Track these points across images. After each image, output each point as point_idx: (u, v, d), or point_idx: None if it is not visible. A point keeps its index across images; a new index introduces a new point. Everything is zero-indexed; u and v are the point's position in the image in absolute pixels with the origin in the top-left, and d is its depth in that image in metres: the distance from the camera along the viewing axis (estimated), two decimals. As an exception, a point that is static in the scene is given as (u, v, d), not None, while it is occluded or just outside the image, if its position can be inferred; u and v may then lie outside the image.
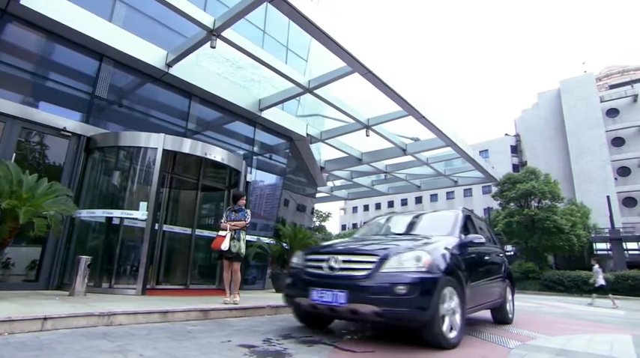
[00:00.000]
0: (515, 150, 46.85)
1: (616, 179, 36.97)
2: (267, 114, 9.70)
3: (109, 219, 6.59)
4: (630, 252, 29.62)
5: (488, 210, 31.90)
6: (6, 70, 5.96)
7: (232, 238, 5.62)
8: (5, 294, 4.79)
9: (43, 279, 5.96)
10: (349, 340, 3.92)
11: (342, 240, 5.14)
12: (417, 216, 5.49)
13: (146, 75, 7.70)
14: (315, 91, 8.52)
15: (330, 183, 17.80)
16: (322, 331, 4.34)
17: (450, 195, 48.78)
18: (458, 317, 3.66)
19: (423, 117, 9.21)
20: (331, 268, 3.64)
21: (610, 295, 13.67)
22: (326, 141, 11.58)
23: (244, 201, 6.12)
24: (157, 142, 6.66)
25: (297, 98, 10.09)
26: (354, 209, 63.30)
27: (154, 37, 7.60)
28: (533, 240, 25.85)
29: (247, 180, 8.74)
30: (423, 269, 3.36)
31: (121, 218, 6.51)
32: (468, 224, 4.94)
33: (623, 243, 29.17)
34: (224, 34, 6.69)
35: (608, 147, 37.94)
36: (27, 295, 4.98)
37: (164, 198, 8.26)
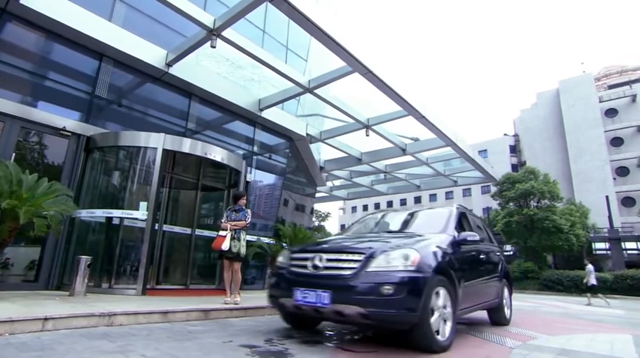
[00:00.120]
0: (514, 150, 46.91)
1: (615, 179, 37.08)
2: (267, 114, 9.69)
3: (109, 219, 6.57)
4: (629, 252, 29.73)
5: (487, 209, 31.95)
6: (5, 69, 5.94)
7: (233, 238, 5.61)
8: (5, 295, 4.77)
9: (42, 279, 5.94)
10: (351, 340, 3.92)
11: (330, 237, 5.07)
12: (410, 214, 5.34)
13: (146, 74, 7.68)
14: (315, 91, 8.51)
15: (329, 183, 17.79)
16: (323, 331, 4.33)
17: (449, 195, 48.81)
18: (449, 319, 3.51)
19: (423, 117, 9.21)
20: (315, 267, 3.49)
21: (600, 294, 13.85)
22: (326, 141, 11.58)
23: (245, 201, 6.11)
24: (156, 142, 6.65)
25: (297, 98, 10.09)
26: (354, 209, 63.33)
27: (154, 36, 7.59)
28: (533, 240, 25.90)
29: (247, 180, 8.73)
30: (412, 268, 3.19)
31: (120, 218, 6.50)
32: (462, 221, 4.78)
33: (622, 243, 29.29)
34: (224, 33, 6.68)
35: (607, 147, 38.04)
36: (27, 295, 4.97)
37: (164, 198, 8.24)
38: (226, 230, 5.60)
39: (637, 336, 4.93)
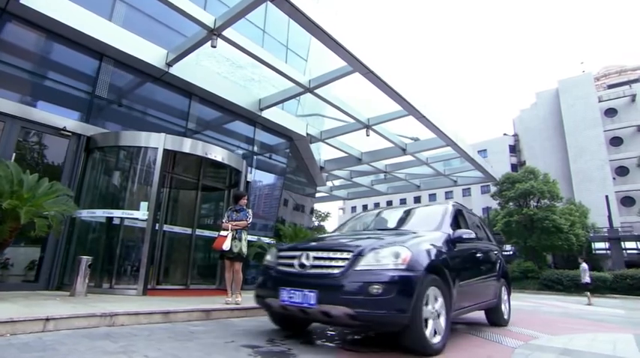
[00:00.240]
0: (514, 149, 46.93)
1: (614, 178, 37.11)
2: (267, 114, 9.68)
3: (110, 219, 6.56)
4: (629, 251, 29.76)
5: (487, 209, 31.89)
6: (6, 69, 5.93)
7: (234, 238, 5.60)
8: (5, 295, 4.76)
9: (43, 280, 5.92)
10: (353, 340, 3.91)
11: (323, 235, 5.02)
12: (405, 211, 5.22)
13: (146, 74, 7.67)
14: (316, 91, 8.50)
15: (329, 183, 17.79)
16: (325, 331, 4.32)
17: (448, 195, 48.80)
18: (442, 321, 3.35)
19: (424, 116, 9.21)
20: (302, 265, 3.35)
21: (587, 293, 13.96)
22: (326, 140, 11.57)
23: (245, 201, 6.10)
24: (157, 142, 6.64)
25: (297, 98, 10.08)
26: (353, 209, 63.25)
27: (154, 36, 7.58)
28: (532, 240, 25.91)
29: (247, 179, 8.72)
30: (402, 267, 3.04)
31: (121, 218, 6.48)
32: (459, 219, 4.65)
33: (622, 243, 29.28)
34: (225, 33, 6.67)
35: (607, 147, 38.07)
36: (27, 296, 4.95)
37: (164, 198, 8.23)
38: (227, 230, 5.59)
39: (638, 336, 4.93)
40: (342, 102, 9.39)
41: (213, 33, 6.57)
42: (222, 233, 5.60)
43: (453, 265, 3.72)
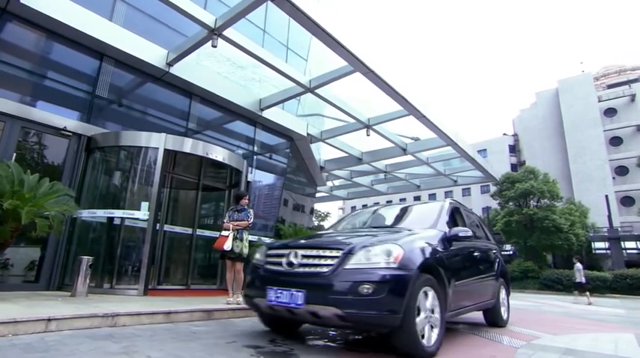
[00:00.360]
0: (514, 149, 46.94)
1: (614, 178, 37.15)
2: (267, 114, 9.67)
3: (110, 219, 6.55)
4: (628, 251, 29.79)
5: (487, 209, 31.89)
6: (6, 69, 5.92)
7: (235, 238, 5.59)
8: (7, 295, 4.75)
9: (43, 280, 5.91)
10: (355, 340, 3.91)
11: (316, 233, 4.96)
12: (401, 209, 5.09)
13: (146, 74, 7.66)
14: (316, 91, 8.50)
15: (329, 183, 17.79)
16: (327, 331, 4.32)
17: (448, 195, 48.75)
18: (437, 322, 3.22)
19: (424, 116, 9.21)
20: (290, 264, 3.22)
21: (575, 292, 14.03)
22: (326, 140, 11.57)
23: (247, 201, 6.09)
24: (158, 142, 6.63)
25: (298, 98, 10.08)
26: (353, 208, 63.13)
27: (155, 36, 7.57)
28: (532, 240, 25.93)
29: (248, 179, 8.71)
30: (394, 266, 2.91)
31: (122, 218, 6.46)
32: (455, 217, 4.54)
33: (622, 242, 29.28)
34: (225, 33, 6.67)
35: (606, 147, 38.11)
36: (28, 296, 4.94)
37: (165, 198, 8.22)
38: (228, 230, 5.58)
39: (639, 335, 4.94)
40: (343, 102, 9.39)
41: (214, 33, 6.57)
42: (224, 233, 5.59)
43: (449, 264, 3.61)
